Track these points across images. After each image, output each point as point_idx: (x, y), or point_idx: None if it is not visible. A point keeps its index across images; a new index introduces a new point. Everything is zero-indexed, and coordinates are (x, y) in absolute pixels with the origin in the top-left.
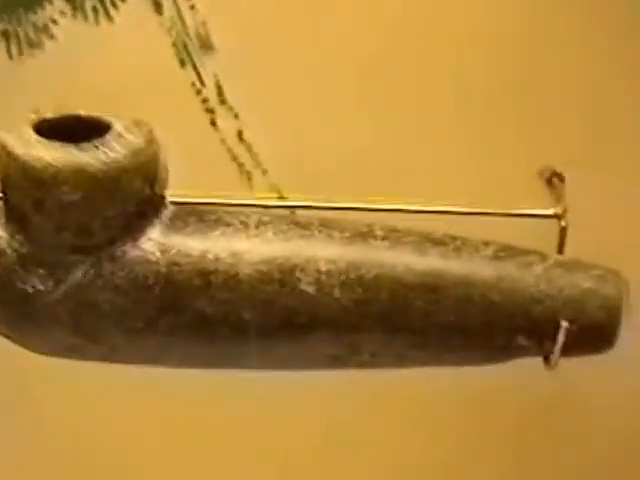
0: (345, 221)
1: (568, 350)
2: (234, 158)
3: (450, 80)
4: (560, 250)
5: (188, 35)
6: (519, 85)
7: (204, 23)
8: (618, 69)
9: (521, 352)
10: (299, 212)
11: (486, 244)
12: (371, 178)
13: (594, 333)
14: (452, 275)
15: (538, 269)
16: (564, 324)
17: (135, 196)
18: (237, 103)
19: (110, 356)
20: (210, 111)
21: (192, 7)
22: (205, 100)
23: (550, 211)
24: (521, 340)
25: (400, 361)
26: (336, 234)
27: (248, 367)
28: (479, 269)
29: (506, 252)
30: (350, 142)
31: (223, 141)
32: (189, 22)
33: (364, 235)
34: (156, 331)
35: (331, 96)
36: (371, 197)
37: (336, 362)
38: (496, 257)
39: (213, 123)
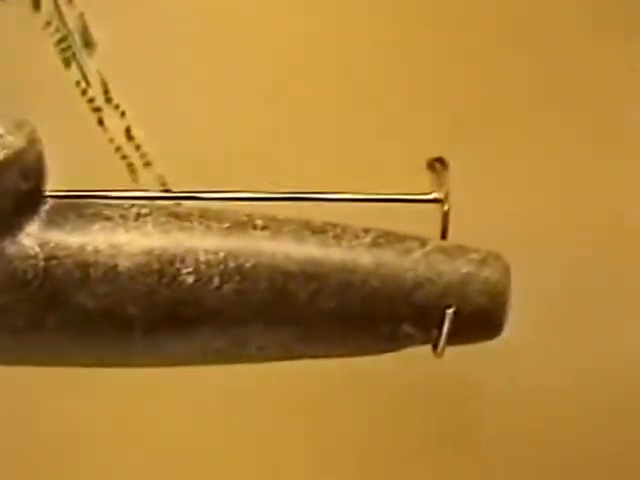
0: (225, 212)
1: (456, 337)
2: (123, 157)
3: (329, 67)
4: (444, 235)
5: (70, 32)
6: (400, 71)
7: (83, 19)
8: (497, 58)
9: (408, 340)
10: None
11: (366, 231)
12: (261, 172)
13: (479, 318)
14: (332, 262)
15: (417, 254)
16: (449, 311)
17: (13, 194)
18: (123, 101)
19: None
20: (97, 110)
21: (70, 1)
22: (91, 100)
23: (432, 196)
24: (407, 328)
25: (288, 353)
26: (215, 225)
27: (137, 364)
28: (359, 256)
29: (385, 238)
30: (240, 138)
31: (111, 140)
32: (68, 17)
33: (244, 225)
34: (41, 330)
35: (220, 91)
36: (259, 189)
37: (224, 356)
38: (375, 244)
39: (100, 122)
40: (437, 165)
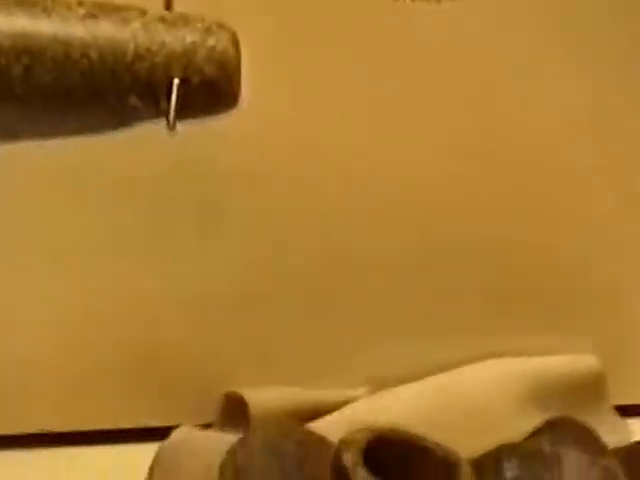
0: None
1: (188, 110)
2: None
3: None
4: (168, 6)
5: None
6: None
7: None
8: None
9: (138, 115)
10: None
11: (80, 3)
12: None
13: (209, 89)
14: (45, 36)
15: (136, 24)
16: (175, 81)
17: None
18: None
19: None
20: None
21: None
22: None
23: None
24: (134, 101)
25: (14, 134)
26: None
27: None
28: (73, 29)
29: (102, 9)
30: None
31: None
32: None
33: None
34: None
35: None
36: None
37: None
38: (91, 15)
39: None
40: None
